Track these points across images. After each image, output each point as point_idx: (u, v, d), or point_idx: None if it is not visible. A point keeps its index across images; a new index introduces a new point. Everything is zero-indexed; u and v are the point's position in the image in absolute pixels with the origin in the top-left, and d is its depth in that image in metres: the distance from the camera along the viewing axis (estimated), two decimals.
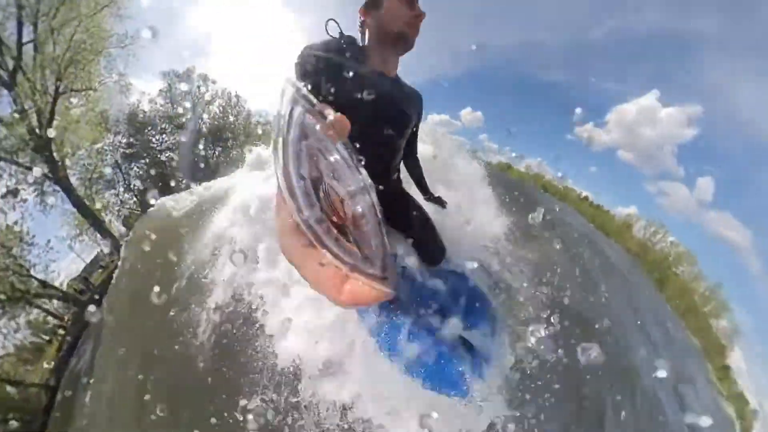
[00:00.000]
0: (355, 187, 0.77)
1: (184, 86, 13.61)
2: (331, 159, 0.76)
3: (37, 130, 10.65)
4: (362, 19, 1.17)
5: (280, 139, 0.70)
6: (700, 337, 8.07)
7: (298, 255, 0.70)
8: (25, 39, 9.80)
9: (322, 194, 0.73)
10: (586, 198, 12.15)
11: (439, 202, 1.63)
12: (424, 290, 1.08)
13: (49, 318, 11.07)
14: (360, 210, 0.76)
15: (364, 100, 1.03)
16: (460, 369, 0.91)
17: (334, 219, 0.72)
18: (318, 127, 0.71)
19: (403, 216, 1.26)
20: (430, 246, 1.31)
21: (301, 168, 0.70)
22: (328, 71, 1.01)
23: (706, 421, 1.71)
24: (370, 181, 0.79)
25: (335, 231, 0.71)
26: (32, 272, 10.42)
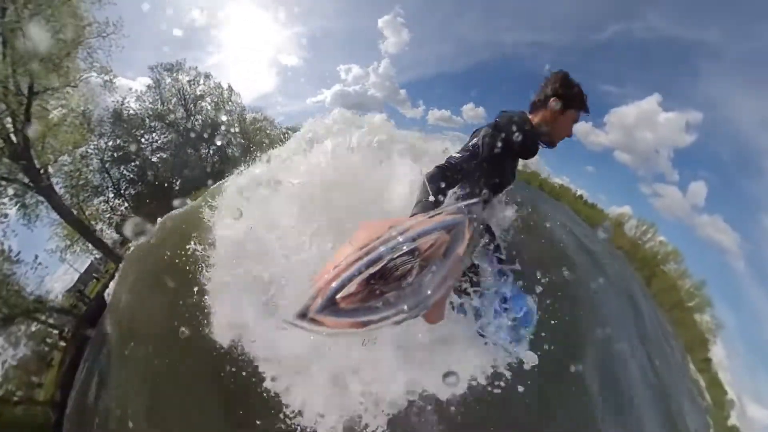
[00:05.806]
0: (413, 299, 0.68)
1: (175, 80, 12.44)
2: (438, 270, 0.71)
3: (12, 136, 9.45)
4: (552, 107, 1.63)
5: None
6: (684, 331, 9.28)
7: (349, 246, 0.70)
8: None
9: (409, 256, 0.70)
10: (581, 197, 12.97)
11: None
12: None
13: (50, 329, 10.54)
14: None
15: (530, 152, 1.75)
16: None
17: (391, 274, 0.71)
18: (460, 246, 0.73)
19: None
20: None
21: (427, 233, 0.70)
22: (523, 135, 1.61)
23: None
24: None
25: (377, 278, 0.69)
26: (24, 292, 9.72)
